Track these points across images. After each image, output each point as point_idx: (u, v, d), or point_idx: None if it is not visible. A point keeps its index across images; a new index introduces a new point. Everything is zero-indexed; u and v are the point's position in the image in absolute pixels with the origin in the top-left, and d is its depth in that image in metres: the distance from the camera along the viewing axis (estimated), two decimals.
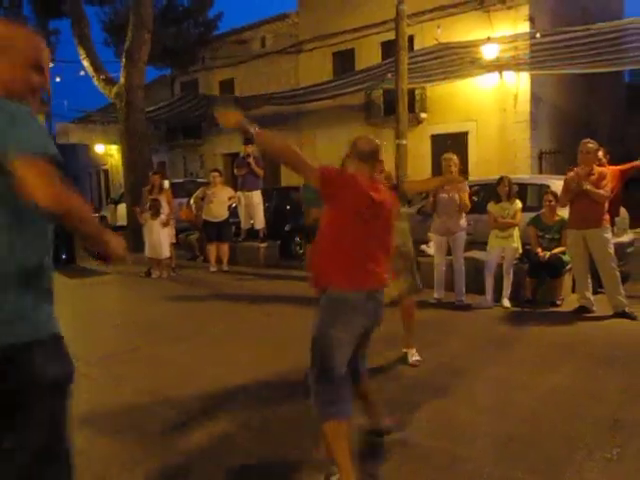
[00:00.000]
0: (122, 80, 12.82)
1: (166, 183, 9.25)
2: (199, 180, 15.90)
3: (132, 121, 12.71)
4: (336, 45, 16.92)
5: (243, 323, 5.94)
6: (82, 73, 14.72)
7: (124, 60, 12.69)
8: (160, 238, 8.76)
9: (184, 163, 22.43)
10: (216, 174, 9.66)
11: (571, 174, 5.79)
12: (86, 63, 13.61)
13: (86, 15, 14.04)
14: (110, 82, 13.41)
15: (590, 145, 5.79)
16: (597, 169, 5.79)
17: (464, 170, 13.99)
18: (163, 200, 8.83)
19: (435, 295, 6.39)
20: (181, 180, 16.52)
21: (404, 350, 4.46)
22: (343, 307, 2.61)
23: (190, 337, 5.40)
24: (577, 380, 3.97)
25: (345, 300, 2.61)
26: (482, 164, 14.29)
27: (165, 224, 8.79)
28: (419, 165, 14.24)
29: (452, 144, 14.52)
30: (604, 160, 6.61)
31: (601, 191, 5.66)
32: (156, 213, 8.73)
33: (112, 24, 18.18)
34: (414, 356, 4.39)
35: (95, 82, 13.58)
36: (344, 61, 16.95)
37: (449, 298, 6.35)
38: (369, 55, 15.85)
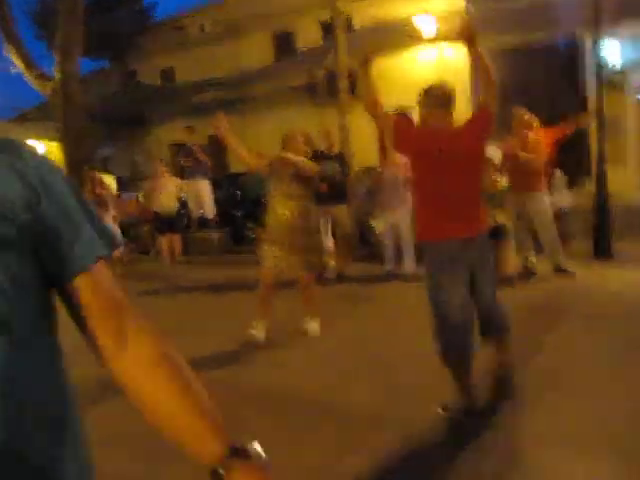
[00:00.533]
0: (57, 75, 12.40)
1: (109, 179, 9.10)
2: (146, 172, 15.64)
3: (70, 117, 12.33)
4: (275, 26, 16.81)
5: (199, 313, 5.96)
6: (13, 71, 14.16)
7: (57, 53, 12.27)
8: None
9: (130, 156, 21.95)
10: (162, 165, 9.56)
11: (506, 142, 6.02)
12: (16, 60, 13.08)
13: (9, 9, 13.42)
14: (44, 78, 12.94)
15: (522, 114, 6.02)
16: (531, 136, 6.03)
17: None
18: (107, 197, 8.70)
19: (386, 267, 6.57)
20: (128, 174, 16.20)
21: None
22: None
23: None
24: (532, 334, 4.20)
25: None
26: None
27: (112, 219, 8.67)
28: (367, 142, 14.39)
29: None
30: (536, 124, 6.82)
31: (534, 156, 5.91)
32: (104, 207, 8.58)
33: (40, 14, 17.51)
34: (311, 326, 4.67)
35: (28, 79, 13.09)
36: (284, 43, 16.87)
37: (399, 270, 6.55)
38: (309, 35, 15.82)
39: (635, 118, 13.05)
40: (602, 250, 6.64)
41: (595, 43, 7.67)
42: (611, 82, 12.73)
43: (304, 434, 2.93)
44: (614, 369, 3.45)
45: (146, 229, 10.59)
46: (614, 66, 12.74)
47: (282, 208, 4.48)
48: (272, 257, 4.49)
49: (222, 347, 4.54)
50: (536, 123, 6.81)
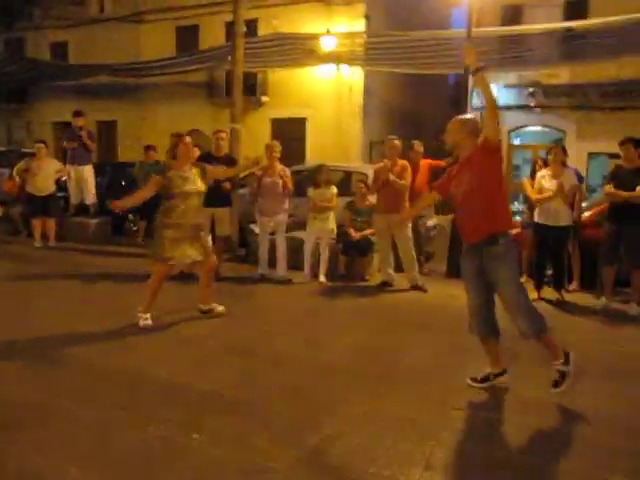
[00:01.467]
0: None
1: None
2: (25, 150, 14.74)
3: None
4: (180, 20, 16.62)
5: (65, 298, 5.91)
6: None
7: None
8: None
9: (7, 130, 20.48)
10: (42, 145, 9.19)
11: (379, 165, 6.61)
12: None
13: None
14: None
15: (395, 142, 6.64)
16: (399, 162, 6.65)
17: (302, 155, 14.85)
18: None
19: (259, 271, 6.90)
20: (3, 149, 15.17)
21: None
22: None
23: (3, 311, 5.27)
24: (365, 339, 4.71)
25: None
26: (319, 149, 15.14)
27: None
28: (259, 148, 14.63)
29: (292, 129, 15.23)
30: (419, 152, 7.51)
31: (402, 181, 6.54)
32: None
33: None
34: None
35: None
36: (188, 37, 16.70)
37: (272, 274, 6.91)
38: (214, 33, 15.83)
39: (505, 153, 14.59)
40: (453, 269, 7.36)
41: (466, 86, 8.58)
42: None
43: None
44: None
45: (18, 210, 10.07)
46: None
47: (182, 204, 4.88)
48: (171, 244, 4.83)
49: (88, 329, 4.60)
50: (418, 147, 7.47)
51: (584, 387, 3.62)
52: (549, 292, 6.34)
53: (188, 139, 5.05)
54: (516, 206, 14.57)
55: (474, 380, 3.72)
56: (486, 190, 3.53)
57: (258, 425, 3.08)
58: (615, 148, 6.06)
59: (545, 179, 6.06)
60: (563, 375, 3.46)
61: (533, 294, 6.23)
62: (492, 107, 3.42)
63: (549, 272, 6.47)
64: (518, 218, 7.34)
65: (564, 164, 6.15)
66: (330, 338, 4.72)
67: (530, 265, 7.07)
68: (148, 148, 9.49)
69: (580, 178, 6.49)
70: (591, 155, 13.47)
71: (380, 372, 3.95)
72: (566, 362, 3.47)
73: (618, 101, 12.95)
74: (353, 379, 3.81)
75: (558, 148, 6.09)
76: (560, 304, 6.09)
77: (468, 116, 4.02)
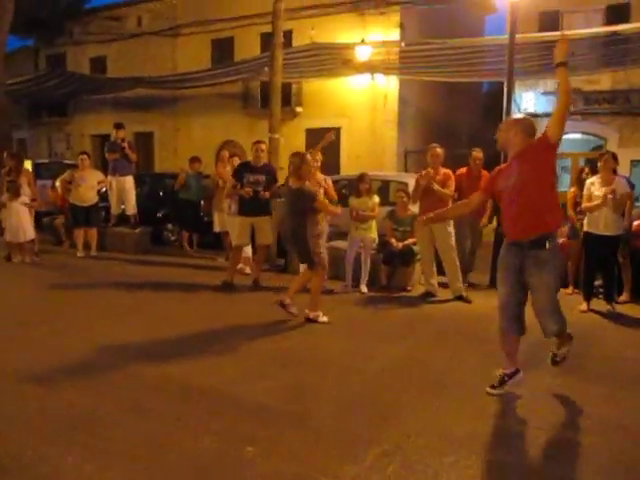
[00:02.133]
0: None
1: (27, 164, 8.83)
2: (66, 162, 15.12)
3: None
4: (215, 32, 16.85)
5: (111, 308, 5.97)
6: None
7: None
8: (22, 220, 8.37)
9: (48, 142, 21.05)
10: (85, 157, 9.38)
11: (422, 173, 6.52)
12: None
13: None
14: None
15: (437, 150, 6.55)
16: (442, 171, 6.56)
17: (336, 164, 14.84)
18: (23, 182, 8.44)
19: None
20: (46, 161, 15.59)
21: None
22: None
23: (53, 321, 5.35)
24: (414, 350, 4.62)
25: None
26: (353, 159, 15.12)
27: (27, 205, 8.42)
28: None
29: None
30: (479, 162, 7.12)
31: (446, 190, 6.44)
32: (16, 194, 8.32)
33: None
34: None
35: None
36: (223, 49, 16.93)
37: None
38: (249, 45, 16.00)
39: None
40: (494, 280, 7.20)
41: (510, 92, 8.41)
42: None
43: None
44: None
45: (61, 220, 10.28)
46: (528, 113, 13.96)
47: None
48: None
49: (136, 339, 4.63)
50: (479, 155, 7.19)
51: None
52: (598, 304, 6.14)
53: (308, 157, 5.45)
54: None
55: (493, 387, 3.67)
56: (538, 185, 3.45)
57: (312, 438, 3.03)
58: None
59: (595, 186, 5.88)
60: (564, 357, 3.81)
61: (583, 306, 6.05)
62: (565, 104, 3.37)
63: (597, 283, 6.28)
64: (564, 228, 7.14)
65: (615, 171, 5.97)
66: (378, 349, 4.63)
67: (577, 276, 6.89)
68: (194, 160, 9.66)
69: (632, 186, 6.29)
70: (633, 162, 13.11)
71: (432, 385, 3.86)
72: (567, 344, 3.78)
73: None
74: (406, 392, 3.71)
75: (609, 155, 5.90)
76: (611, 316, 5.88)
77: (521, 116, 4.03)
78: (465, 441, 3.02)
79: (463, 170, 7.18)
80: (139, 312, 5.77)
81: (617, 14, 12.57)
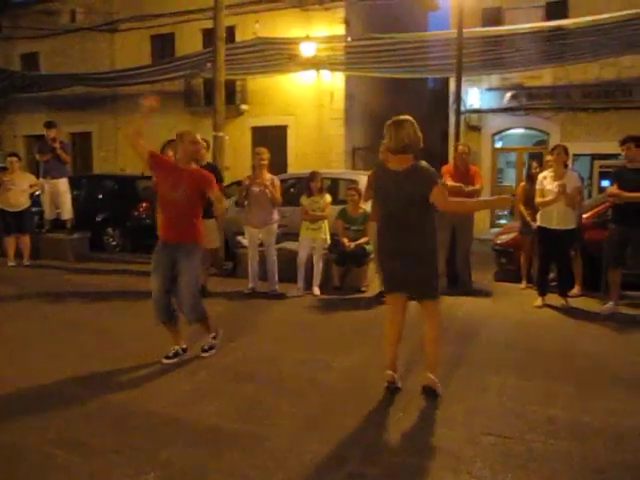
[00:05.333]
0: None
1: None
2: None
3: None
4: (155, 28, 16.22)
5: (45, 320, 5.49)
6: None
7: None
8: None
9: None
10: (14, 159, 8.73)
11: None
12: None
13: None
14: None
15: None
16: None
17: (283, 163, 14.55)
18: None
19: (249, 285, 6.55)
20: None
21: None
22: None
23: None
24: (371, 357, 4.39)
25: None
26: (300, 157, 14.87)
27: None
28: (240, 156, 14.35)
29: (273, 137, 14.91)
30: (466, 157, 6.69)
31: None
32: None
33: None
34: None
35: None
36: (164, 45, 16.36)
37: (263, 287, 6.56)
38: (190, 41, 15.50)
39: (489, 156, 14.55)
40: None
41: (459, 87, 8.40)
42: (469, 123, 14.12)
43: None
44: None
45: None
46: (472, 109, 14.12)
47: None
48: None
49: (64, 359, 4.21)
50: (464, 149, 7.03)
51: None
52: (552, 298, 6.11)
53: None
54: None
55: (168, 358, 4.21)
56: None
57: (271, 464, 2.74)
58: (599, 149, 5.91)
59: (547, 180, 5.84)
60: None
61: (537, 301, 6.00)
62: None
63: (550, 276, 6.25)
64: (515, 223, 7.13)
65: (566, 165, 5.95)
66: (334, 357, 4.37)
67: (529, 271, 6.87)
68: None
69: (582, 179, 6.29)
70: (575, 157, 13.42)
71: (393, 395, 3.64)
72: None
73: (601, 102, 12.91)
74: (368, 404, 3.48)
75: (561, 148, 5.86)
76: (566, 310, 5.86)
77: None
78: (432, 452, 2.81)
79: (449, 167, 6.78)
80: (76, 326, 5.30)
81: (556, 10, 12.81)
